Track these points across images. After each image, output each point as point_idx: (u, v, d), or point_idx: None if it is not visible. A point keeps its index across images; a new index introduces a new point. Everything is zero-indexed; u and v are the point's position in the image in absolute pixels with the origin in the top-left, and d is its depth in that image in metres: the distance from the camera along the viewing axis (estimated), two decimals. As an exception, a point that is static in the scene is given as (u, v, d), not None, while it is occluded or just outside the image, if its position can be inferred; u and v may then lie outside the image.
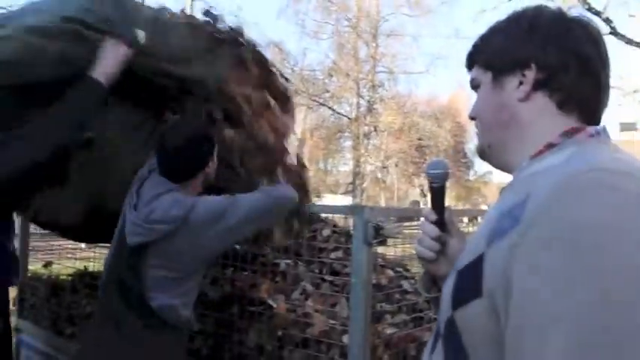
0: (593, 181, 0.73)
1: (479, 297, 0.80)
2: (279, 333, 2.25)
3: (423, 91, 48.54)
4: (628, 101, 12.45)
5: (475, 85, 1.08)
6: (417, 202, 34.37)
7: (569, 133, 0.92)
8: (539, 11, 1.00)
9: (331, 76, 27.92)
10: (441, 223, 1.14)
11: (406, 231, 2.84)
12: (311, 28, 28.99)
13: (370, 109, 27.40)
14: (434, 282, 1.19)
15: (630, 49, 11.89)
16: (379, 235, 1.99)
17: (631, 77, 18.87)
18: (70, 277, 3.49)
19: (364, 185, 27.28)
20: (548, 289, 0.69)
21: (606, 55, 0.97)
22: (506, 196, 0.87)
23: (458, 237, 1.16)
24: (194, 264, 2.00)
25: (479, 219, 3.35)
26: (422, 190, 33.58)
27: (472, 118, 1.09)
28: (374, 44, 27.98)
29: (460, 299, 0.84)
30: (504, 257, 0.76)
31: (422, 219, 1.17)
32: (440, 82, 74.98)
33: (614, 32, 11.51)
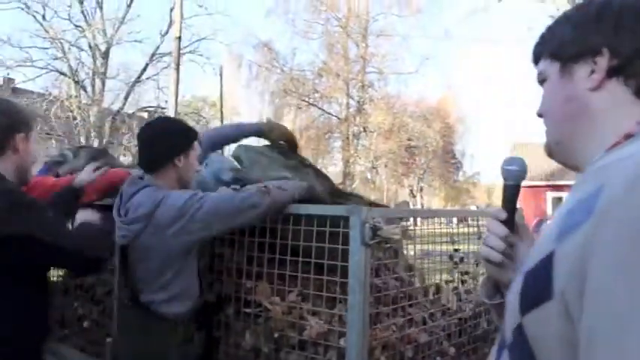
0: None
1: (549, 299, 0.72)
2: (276, 335, 2.24)
3: (412, 92, 48.52)
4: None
5: (542, 80, 1.01)
6: (406, 203, 34.43)
7: None
8: None
9: (321, 76, 27.99)
10: (510, 222, 1.07)
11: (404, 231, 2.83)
12: (301, 28, 29.08)
13: (360, 110, 27.49)
14: (497, 289, 1.12)
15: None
16: (377, 236, 1.98)
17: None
18: (60, 279, 3.46)
19: (354, 186, 27.31)
20: (624, 285, 0.63)
21: None
22: (576, 190, 0.81)
23: (528, 241, 1.09)
24: (167, 258, 2.08)
25: (469, 220, 3.35)
26: (411, 191, 33.71)
27: (540, 116, 1.02)
28: (363, 44, 28.08)
29: (529, 303, 0.77)
30: (578, 252, 0.69)
31: (488, 219, 1.11)
32: (429, 82, 75.14)
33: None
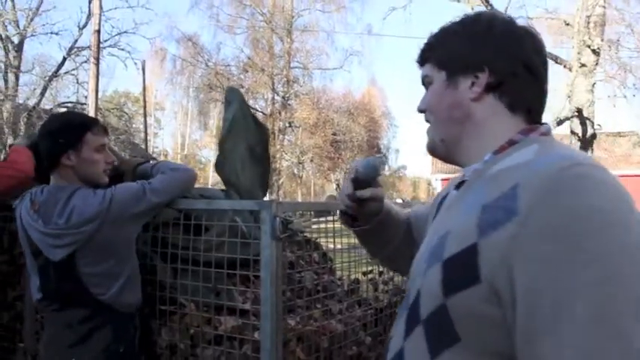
0: (582, 173, 0.82)
1: (477, 283, 0.84)
2: (191, 331, 2.24)
3: (337, 87, 49.10)
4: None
5: (427, 82, 1.15)
6: (333, 197, 34.76)
7: (525, 132, 1.02)
8: (493, 18, 1.09)
9: (246, 71, 27.80)
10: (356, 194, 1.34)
11: (321, 225, 2.88)
12: (225, 23, 28.75)
13: (285, 105, 27.49)
14: (354, 219, 1.42)
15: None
16: (287, 230, 2.02)
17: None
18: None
19: (280, 181, 27.33)
20: (555, 273, 0.75)
21: (547, 63, 1.09)
22: (482, 189, 0.94)
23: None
24: (125, 247, 2.10)
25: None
26: (338, 185, 34.00)
27: (421, 111, 1.17)
28: (288, 40, 28.08)
29: (454, 286, 0.87)
30: (504, 247, 0.81)
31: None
32: (354, 77, 76.06)
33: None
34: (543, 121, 1.08)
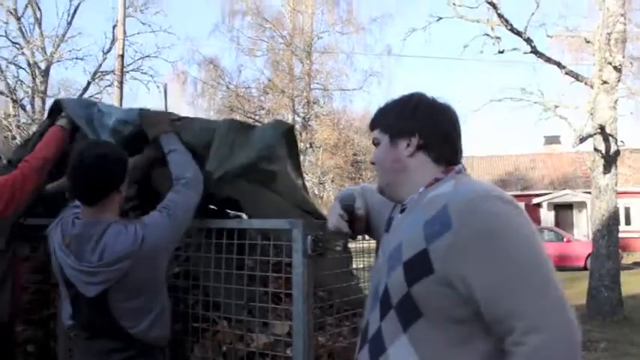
0: (493, 197, 1.31)
1: (432, 273, 1.29)
2: (224, 348, 2.28)
3: (357, 107, 49.16)
4: (550, 115, 13.02)
5: (376, 143, 1.59)
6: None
7: (445, 172, 1.48)
8: (420, 98, 1.54)
9: (266, 93, 28.00)
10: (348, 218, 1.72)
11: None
12: (246, 45, 29.04)
13: (305, 126, 27.60)
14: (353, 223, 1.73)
15: (549, 66, 12.48)
16: (318, 248, 2.06)
17: (551, 93, 19.85)
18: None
19: (302, 201, 27.31)
20: (489, 266, 1.24)
21: (459, 127, 1.55)
22: (420, 210, 1.40)
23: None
24: (157, 282, 2.09)
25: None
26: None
27: (372, 163, 1.60)
28: (308, 61, 28.25)
29: (414, 278, 1.32)
30: (445, 251, 1.28)
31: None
32: (374, 98, 75.98)
33: (534, 51, 12.07)
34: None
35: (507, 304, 1.21)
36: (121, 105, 15.30)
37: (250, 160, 2.45)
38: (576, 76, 12.07)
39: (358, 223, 1.73)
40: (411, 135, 1.49)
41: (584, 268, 15.67)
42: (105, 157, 2.06)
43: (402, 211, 1.51)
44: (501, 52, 12.43)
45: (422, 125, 1.49)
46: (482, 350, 1.28)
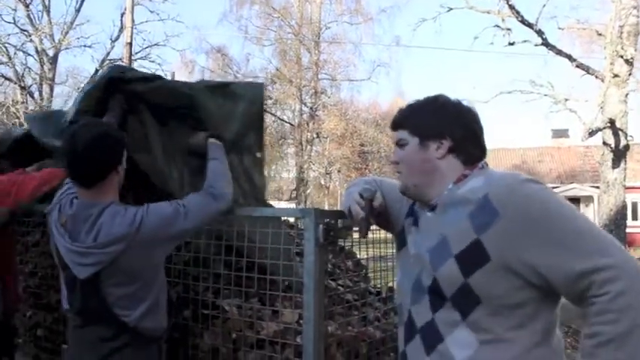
0: (526, 180, 1.39)
1: (488, 262, 1.35)
2: (234, 335, 2.28)
3: (365, 98, 49.04)
4: (560, 108, 12.96)
5: (402, 143, 1.59)
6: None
7: (471, 168, 1.53)
8: (446, 99, 1.58)
9: (274, 82, 27.95)
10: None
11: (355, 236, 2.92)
12: (253, 34, 29.01)
13: (313, 116, 27.57)
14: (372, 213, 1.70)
15: (560, 59, 12.42)
16: (330, 236, 2.04)
17: (561, 86, 19.72)
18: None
19: (308, 192, 27.38)
20: (545, 241, 1.30)
21: (482, 126, 1.58)
22: (457, 206, 1.46)
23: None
24: (152, 271, 2.02)
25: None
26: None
27: (396, 163, 1.61)
28: (316, 51, 28.19)
29: (471, 268, 1.37)
30: (499, 237, 1.34)
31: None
32: (382, 89, 75.89)
33: (545, 43, 12.00)
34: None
35: (578, 266, 1.26)
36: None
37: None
38: (587, 69, 12.01)
39: (375, 214, 1.72)
40: (441, 137, 1.53)
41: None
42: (100, 138, 1.96)
43: (433, 209, 1.54)
44: (512, 43, 12.37)
45: (452, 128, 1.53)
46: (538, 329, 1.38)
